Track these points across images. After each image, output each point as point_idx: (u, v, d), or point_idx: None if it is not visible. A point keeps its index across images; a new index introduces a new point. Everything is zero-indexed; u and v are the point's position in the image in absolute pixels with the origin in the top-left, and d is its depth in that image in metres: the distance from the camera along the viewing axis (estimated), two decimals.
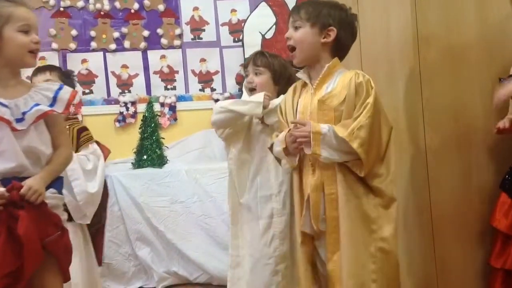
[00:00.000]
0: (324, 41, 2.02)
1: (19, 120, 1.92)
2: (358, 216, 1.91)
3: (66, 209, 2.52)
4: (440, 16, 2.20)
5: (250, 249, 2.35)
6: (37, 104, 1.95)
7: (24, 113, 1.92)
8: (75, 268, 2.43)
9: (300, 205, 2.01)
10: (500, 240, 2.08)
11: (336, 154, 1.89)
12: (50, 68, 2.78)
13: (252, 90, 2.43)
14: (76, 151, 2.67)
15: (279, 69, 2.42)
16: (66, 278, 2.04)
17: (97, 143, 3.47)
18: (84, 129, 2.82)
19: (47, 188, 1.98)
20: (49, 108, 1.96)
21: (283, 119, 2.10)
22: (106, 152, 3.61)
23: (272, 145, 2.12)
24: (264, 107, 2.27)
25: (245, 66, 2.54)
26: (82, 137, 2.77)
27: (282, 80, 2.36)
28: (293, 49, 2.06)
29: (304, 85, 2.09)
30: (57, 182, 2.05)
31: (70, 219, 2.68)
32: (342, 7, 2.09)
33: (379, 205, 1.93)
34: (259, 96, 2.30)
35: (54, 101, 1.99)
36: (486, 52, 2.22)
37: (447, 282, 2.17)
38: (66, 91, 2.03)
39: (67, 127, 2.74)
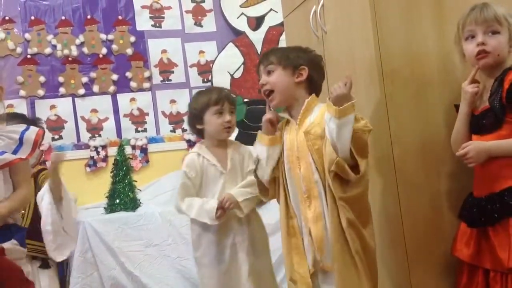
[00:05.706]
0: (298, 80, 2.16)
1: None
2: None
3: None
4: (402, 50, 2.25)
5: None
6: (2, 153, 1.95)
7: None
8: None
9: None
10: (466, 271, 2.03)
11: None
12: (14, 116, 2.76)
13: None
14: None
15: None
16: None
17: None
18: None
19: (10, 238, 1.96)
20: (14, 157, 1.96)
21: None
22: None
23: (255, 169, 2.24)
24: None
25: None
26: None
27: None
28: (270, 92, 2.16)
29: (287, 122, 2.20)
30: (19, 234, 2.02)
31: (45, 266, 2.65)
32: (307, 49, 2.24)
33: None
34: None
35: (20, 142, 1.99)
36: (448, 83, 2.27)
37: None
38: (32, 131, 2.04)
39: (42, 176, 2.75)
